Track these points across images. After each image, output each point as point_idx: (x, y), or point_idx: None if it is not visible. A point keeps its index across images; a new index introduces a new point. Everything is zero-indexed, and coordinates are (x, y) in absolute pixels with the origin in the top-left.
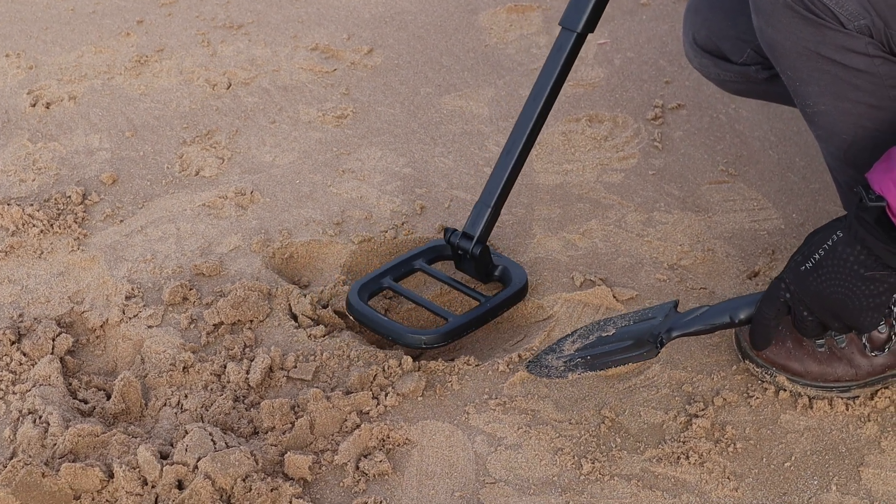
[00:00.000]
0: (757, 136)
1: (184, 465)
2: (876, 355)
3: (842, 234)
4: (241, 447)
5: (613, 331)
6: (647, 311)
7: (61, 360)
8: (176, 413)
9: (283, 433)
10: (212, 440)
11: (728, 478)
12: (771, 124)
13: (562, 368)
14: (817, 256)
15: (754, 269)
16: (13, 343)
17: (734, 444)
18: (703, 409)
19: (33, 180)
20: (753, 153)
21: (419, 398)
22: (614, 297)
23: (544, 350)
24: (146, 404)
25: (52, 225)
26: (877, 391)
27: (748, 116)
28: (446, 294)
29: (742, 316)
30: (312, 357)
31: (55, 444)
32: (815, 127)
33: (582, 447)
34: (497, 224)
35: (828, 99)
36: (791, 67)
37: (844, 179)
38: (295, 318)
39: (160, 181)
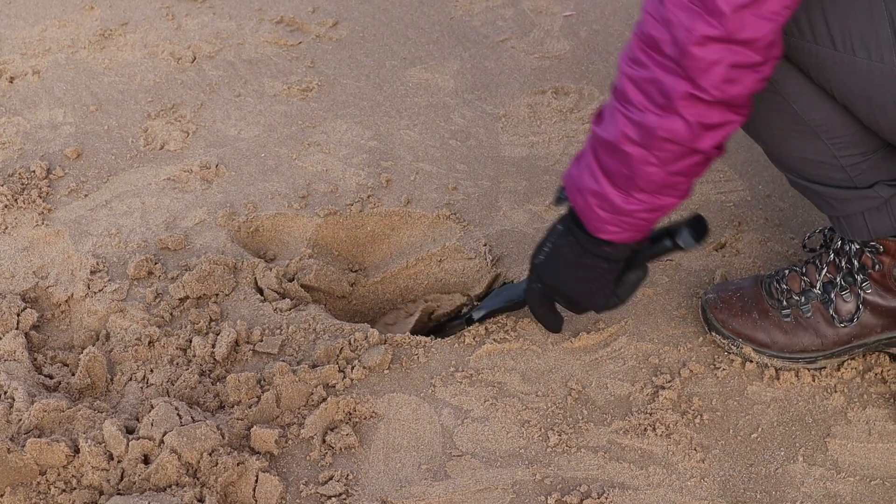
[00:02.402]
0: None
1: (150, 439)
2: (844, 326)
3: (561, 228)
4: (208, 421)
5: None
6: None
7: (26, 335)
8: (142, 388)
9: (250, 407)
10: (178, 414)
11: (695, 449)
12: None
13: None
14: (546, 249)
15: (721, 241)
16: None
17: (701, 416)
18: (669, 381)
19: None
20: None
21: (386, 371)
22: None
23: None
24: (111, 379)
25: (16, 200)
26: (843, 362)
27: None
28: None
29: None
30: (278, 331)
31: (20, 420)
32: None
33: (549, 419)
34: (462, 196)
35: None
36: None
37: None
38: (261, 291)
39: (125, 155)
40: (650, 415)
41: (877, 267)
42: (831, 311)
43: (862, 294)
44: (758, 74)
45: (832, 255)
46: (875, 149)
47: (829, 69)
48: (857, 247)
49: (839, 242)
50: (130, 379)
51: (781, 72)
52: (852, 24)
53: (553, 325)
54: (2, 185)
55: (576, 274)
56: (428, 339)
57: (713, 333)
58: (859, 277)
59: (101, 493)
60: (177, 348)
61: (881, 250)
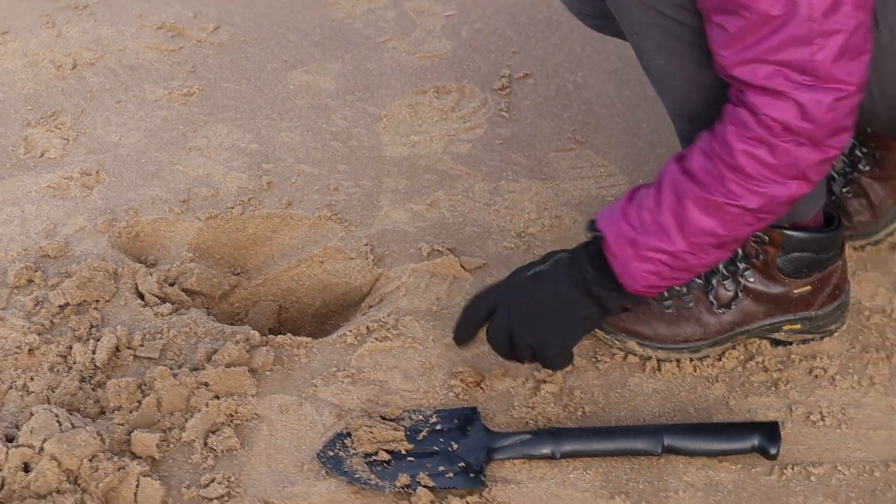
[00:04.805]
0: (604, 104)
1: (29, 447)
2: (723, 312)
3: (566, 256)
4: (88, 427)
5: (421, 436)
6: (451, 416)
7: None
8: (22, 396)
9: (130, 412)
10: (57, 421)
11: None
12: (618, 91)
13: (371, 478)
14: (540, 268)
15: None
16: None
17: (583, 409)
18: (550, 375)
19: None
20: (600, 120)
21: (268, 372)
22: (462, 266)
23: (338, 435)
24: None
25: None
26: (724, 351)
27: (595, 84)
28: None
29: (566, 449)
30: (159, 335)
31: None
32: (653, 81)
33: None
34: (344, 197)
35: (663, 54)
36: (629, 21)
37: (682, 133)
38: (142, 296)
39: (4, 164)
40: (532, 409)
41: (760, 256)
42: (711, 298)
43: (743, 282)
44: None
45: None
46: None
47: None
48: None
49: None
50: (10, 387)
51: None
52: None
53: (469, 337)
54: None
55: (560, 305)
56: (309, 339)
57: (595, 329)
58: (742, 266)
59: None
60: (57, 355)
61: (766, 240)
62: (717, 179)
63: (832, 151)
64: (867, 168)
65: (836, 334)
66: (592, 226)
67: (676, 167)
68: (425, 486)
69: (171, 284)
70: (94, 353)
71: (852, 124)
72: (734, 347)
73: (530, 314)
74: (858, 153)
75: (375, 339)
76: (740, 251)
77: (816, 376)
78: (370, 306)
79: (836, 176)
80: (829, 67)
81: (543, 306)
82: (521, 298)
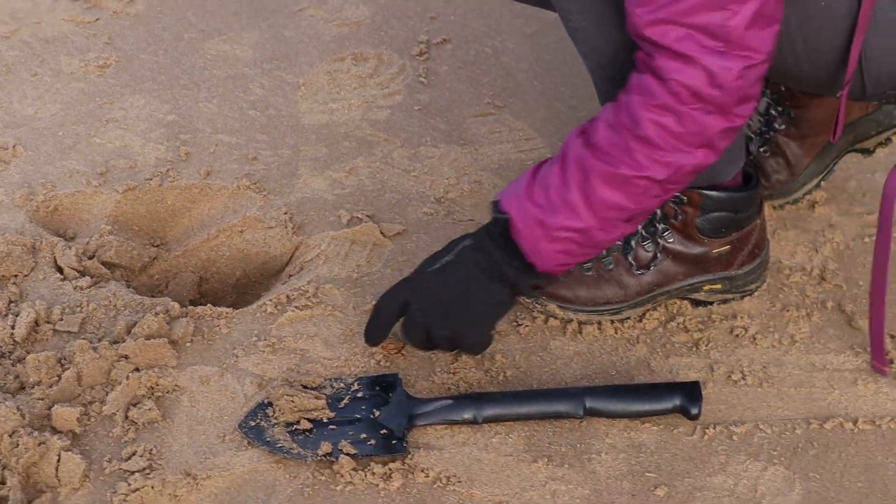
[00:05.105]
0: (522, 68)
1: None
2: (642, 273)
3: (470, 243)
4: (7, 403)
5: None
6: (373, 383)
7: None
8: None
9: (50, 386)
10: None
11: None
12: (536, 55)
13: (293, 447)
14: (445, 260)
15: None
16: None
17: (504, 373)
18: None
19: None
20: (519, 84)
21: (188, 344)
22: (382, 233)
23: (260, 405)
24: None
25: None
26: (645, 312)
27: (514, 48)
28: None
29: (488, 414)
30: (79, 309)
31: None
32: (577, 42)
33: None
34: (263, 166)
35: (588, 15)
36: None
37: (605, 96)
38: (60, 270)
39: None
40: (454, 374)
41: (679, 217)
42: (630, 259)
43: (662, 243)
44: None
45: None
46: None
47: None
48: None
49: None
50: None
51: None
52: None
53: (381, 337)
54: None
55: (472, 295)
56: (229, 309)
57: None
58: (661, 227)
59: None
60: None
61: (684, 201)
62: (624, 151)
63: (738, 120)
64: (783, 127)
65: (756, 293)
66: (497, 208)
67: (580, 142)
68: (347, 454)
69: (90, 258)
70: (13, 328)
71: (758, 93)
72: (655, 309)
73: (443, 309)
74: (773, 112)
75: (296, 307)
76: (659, 212)
77: (737, 336)
78: (290, 275)
79: (752, 136)
80: (741, 34)
81: (455, 299)
82: (431, 294)
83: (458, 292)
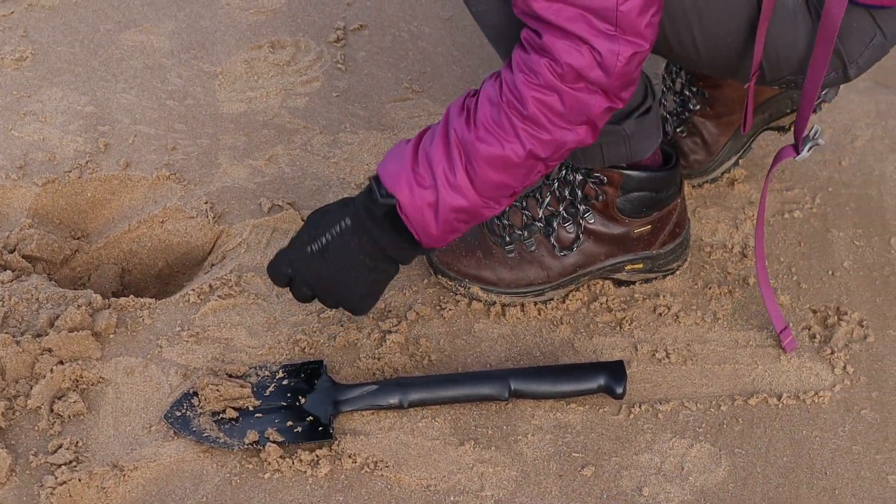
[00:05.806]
0: (440, 52)
1: None
2: (565, 255)
3: (350, 223)
4: None
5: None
6: (298, 370)
7: None
8: None
9: None
10: None
11: None
12: (453, 39)
13: (220, 437)
14: (325, 240)
15: None
16: None
17: (429, 357)
18: (396, 325)
19: None
20: (437, 68)
21: (111, 335)
22: (303, 220)
23: (185, 394)
24: None
25: None
26: (568, 293)
27: (431, 33)
28: None
29: (413, 398)
30: (1, 302)
31: None
32: (483, 28)
33: None
34: (182, 156)
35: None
36: None
37: None
38: None
39: None
40: (378, 359)
41: (600, 197)
42: (553, 241)
43: (584, 223)
44: None
45: (555, 186)
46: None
47: None
48: (581, 178)
49: (563, 172)
50: None
51: None
52: None
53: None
54: None
55: (357, 273)
56: (152, 300)
57: (438, 276)
58: (582, 207)
59: None
60: None
61: (605, 181)
62: (507, 130)
63: (620, 103)
64: (698, 107)
65: (678, 272)
66: (380, 187)
67: (461, 120)
68: (274, 442)
69: (11, 251)
70: None
71: (639, 77)
72: (578, 289)
73: (328, 287)
74: (688, 92)
75: (219, 296)
76: (579, 192)
77: (660, 314)
78: (212, 264)
79: (668, 116)
80: (633, 20)
81: (340, 277)
82: (314, 273)
83: (342, 272)
